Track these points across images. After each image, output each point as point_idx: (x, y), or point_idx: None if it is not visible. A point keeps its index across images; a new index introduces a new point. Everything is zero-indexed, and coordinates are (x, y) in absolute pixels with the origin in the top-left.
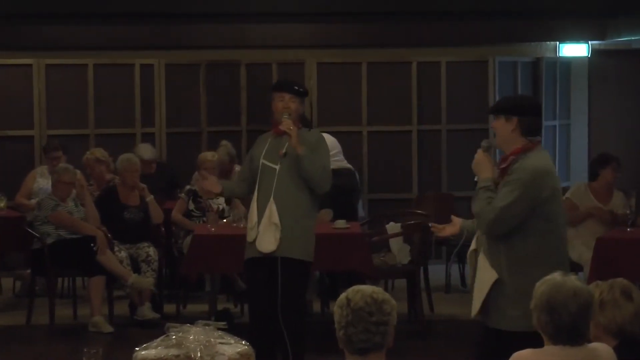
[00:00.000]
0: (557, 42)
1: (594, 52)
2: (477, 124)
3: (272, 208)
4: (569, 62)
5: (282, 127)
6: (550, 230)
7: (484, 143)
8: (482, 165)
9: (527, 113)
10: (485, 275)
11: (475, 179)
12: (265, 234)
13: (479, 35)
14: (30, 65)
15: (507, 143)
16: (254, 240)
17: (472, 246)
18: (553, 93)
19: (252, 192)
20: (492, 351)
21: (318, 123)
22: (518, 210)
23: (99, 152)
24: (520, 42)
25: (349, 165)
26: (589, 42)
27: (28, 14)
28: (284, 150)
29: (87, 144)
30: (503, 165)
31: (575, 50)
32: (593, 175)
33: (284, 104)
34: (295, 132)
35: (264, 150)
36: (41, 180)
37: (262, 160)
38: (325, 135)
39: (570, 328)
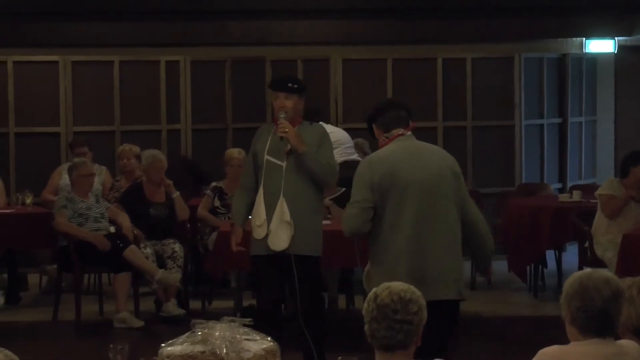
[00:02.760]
0: (584, 38)
1: (621, 48)
2: (503, 121)
3: (283, 206)
4: (595, 58)
5: (279, 133)
6: (377, 220)
7: None
8: None
9: (373, 119)
10: None
11: None
12: (278, 232)
13: (505, 32)
14: (57, 62)
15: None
16: (264, 238)
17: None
18: (579, 89)
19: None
20: None
21: (343, 119)
22: (354, 206)
23: (137, 148)
24: (546, 38)
25: (359, 158)
26: (616, 38)
27: (54, 11)
28: (288, 148)
29: (113, 141)
30: None
31: (601, 46)
32: (624, 172)
33: (279, 102)
34: (293, 134)
35: (267, 146)
36: (67, 177)
37: (266, 157)
38: (337, 128)
39: (601, 315)
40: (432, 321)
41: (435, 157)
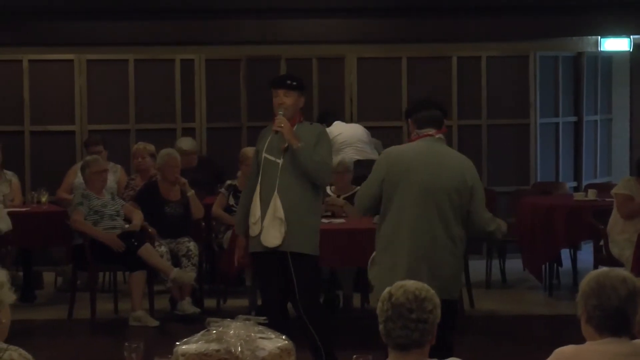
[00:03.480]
0: (599, 37)
1: (636, 46)
2: (518, 119)
3: (276, 202)
4: (610, 57)
5: (274, 127)
6: (384, 211)
7: None
8: None
9: (411, 114)
10: None
11: None
12: (270, 229)
13: (520, 30)
14: (72, 60)
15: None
16: (258, 235)
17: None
18: (594, 88)
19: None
20: None
21: (358, 118)
22: (366, 188)
23: (151, 147)
24: (561, 36)
25: (374, 157)
26: (631, 36)
27: (69, 9)
28: (285, 145)
29: (128, 139)
30: None
31: (617, 44)
32: (639, 171)
33: (279, 100)
34: (288, 129)
35: (266, 144)
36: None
37: (264, 154)
38: (350, 126)
39: (618, 314)
40: None
41: (452, 166)
